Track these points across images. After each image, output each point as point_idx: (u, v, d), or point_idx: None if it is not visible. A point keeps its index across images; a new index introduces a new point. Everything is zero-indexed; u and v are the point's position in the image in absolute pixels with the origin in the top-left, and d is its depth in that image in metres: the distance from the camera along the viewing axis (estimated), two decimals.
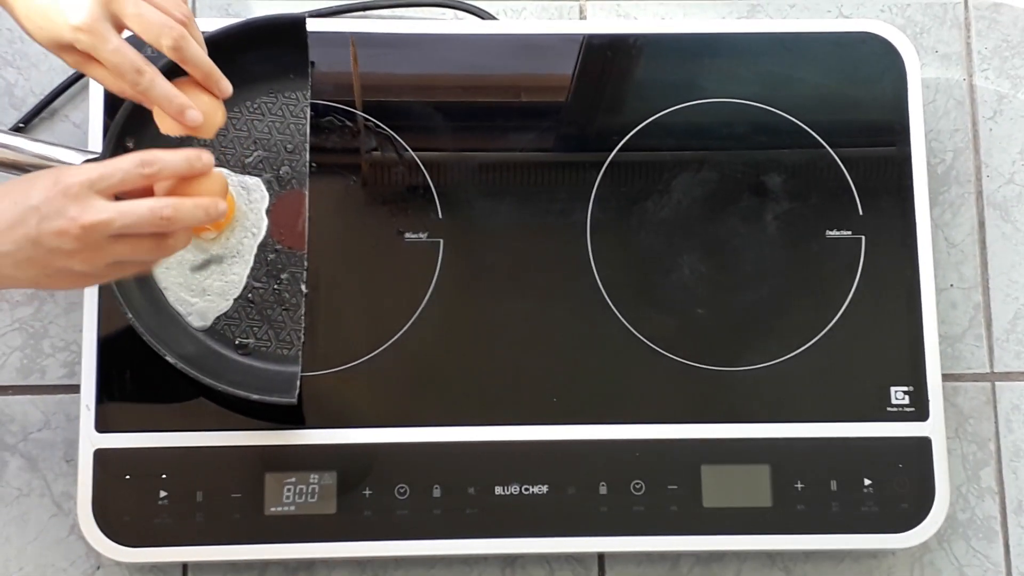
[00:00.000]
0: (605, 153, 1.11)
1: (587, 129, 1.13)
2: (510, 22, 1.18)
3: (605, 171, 1.10)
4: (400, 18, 1.16)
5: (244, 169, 1.08)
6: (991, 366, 1.14)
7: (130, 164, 0.84)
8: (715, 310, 1.08)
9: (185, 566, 1.07)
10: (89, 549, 1.04)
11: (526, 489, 1.04)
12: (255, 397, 1.01)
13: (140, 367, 1.04)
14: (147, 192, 0.86)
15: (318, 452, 1.04)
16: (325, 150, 1.09)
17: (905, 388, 1.06)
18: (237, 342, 1.05)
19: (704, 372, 1.06)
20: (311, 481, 1.03)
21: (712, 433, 1.05)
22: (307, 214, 1.07)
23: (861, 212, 1.10)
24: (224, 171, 1.07)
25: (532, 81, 1.13)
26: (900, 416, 1.06)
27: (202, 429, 1.03)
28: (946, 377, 1.11)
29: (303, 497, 1.03)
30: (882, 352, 1.07)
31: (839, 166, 1.11)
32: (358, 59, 1.11)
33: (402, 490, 1.03)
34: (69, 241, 0.82)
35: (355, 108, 1.10)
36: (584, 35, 1.14)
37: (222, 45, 1.05)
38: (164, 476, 1.03)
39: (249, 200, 1.07)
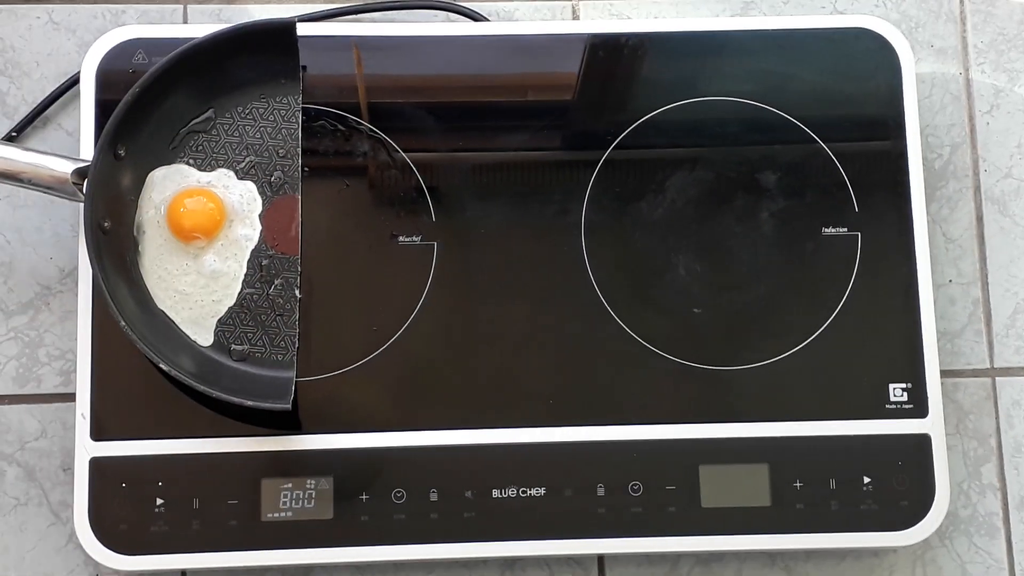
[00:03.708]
0: (599, 152, 1.10)
1: (580, 129, 1.12)
2: (502, 24, 1.17)
3: (599, 171, 1.10)
4: (390, 21, 1.16)
5: (236, 175, 1.08)
6: (991, 361, 1.13)
7: None
8: (711, 309, 1.07)
9: (183, 573, 1.06)
10: (87, 558, 1.03)
11: (523, 492, 1.03)
12: (249, 403, 1.00)
13: (135, 375, 1.03)
14: None
15: (314, 457, 1.03)
16: (317, 154, 1.09)
17: (903, 385, 1.06)
18: (231, 348, 1.05)
19: (701, 372, 1.06)
20: (308, 487, 1.03)
21: (710, 433, 1.05)
22: (300, 219, 1.07)
23: (857, 209, 1.09)
24: (221, 171, 1.07)
25: (524, 82, 1.13)
26: (899, 413, 1.05)
27: (197, 436, 1.03)
28: (946, 373, 1.11)
29: (300, 503, 1.03)
30: (880, 349, 1.07)
31: (835, 163, 1.10)
32: (347, 62, 1.11)
33: (399, 494, 1.03)
34: None
35: (348, 112, 1.10)
36: (576, 35, 1.14)
37: (213, 51, 1.06)
38: (160, 484, 1.02)
39: (242, 206, 1.07)
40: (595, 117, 1.12)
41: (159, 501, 1.02)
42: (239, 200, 1.07)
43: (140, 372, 1.03)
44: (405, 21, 1.16)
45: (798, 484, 1.04)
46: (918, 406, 1.05)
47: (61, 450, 1.08)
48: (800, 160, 1.11)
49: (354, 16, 1.16)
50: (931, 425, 1.05)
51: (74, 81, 1.13)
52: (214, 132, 1.08)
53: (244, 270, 1.06)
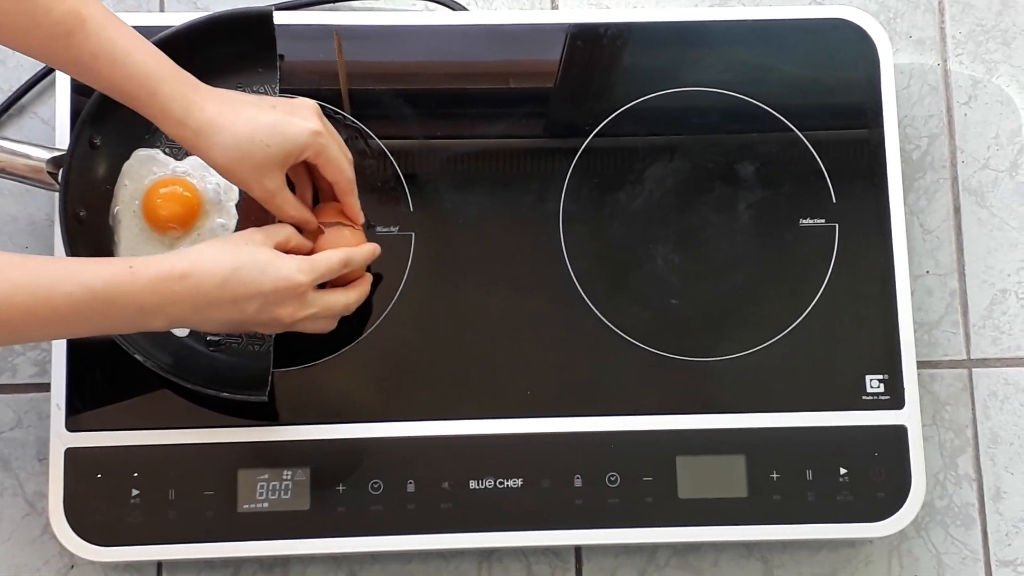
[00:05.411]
0: (578, 142, 1.10)
1: (559, 119, 1.12)
2: (482, 13, 1.17)
3: (577, 161, 1.10)
4: (368, 10, 1.16)
5: None
6: (968, 353, 1.14)
7: (338, 264, 0.97)
8: (689, 300, 1.08)
9: (160, 564, 1.06)
10: (62, 549, 1.03)
11: (500, 483, 1.03)
12: (226, 395, 1.00)
13: (110, 365, 1.03)
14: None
15: (291, 448, 1.03)
16: None
17: (880, 376, 1.06)
18: (208, 339, 1.05)
19: (678, 363, 1.06)
20: (284, 477, 1.02)
21: (687, 424, 1.05)
22: None
23: (835, 200, 1.09)
24: (198, 160, 1.06)
25: (503, 71, 1.13)
26: (875, 404, 1.06)
27: (173, 427, 1.03)
28: (923, 364, 1.11)
29: (276, 494, 1.02)
30: (857, 340, 1.07)
31: (812, 154, 1.10)
32: (325, 50, 1.10)
33: (376, 485, 1.03)
34: (276, 328, 0.97)
35: (325, 100, 1.08)
36: (556, 24, 1.13)
37: (189, 39, 1.05)
38: (136, 474, 1.02)
39: (219, 195, 1.06)
40: (574, 107, 1.12)
41: (135, 492, 1.02)
42: (215, 190, 1.06)
43: (116, 362, 1.02)
44: (383, 10, 1.16)
45: (775, 475, 1.04)
46: (894, 397, 1.06)
47: (36, 440, 1.08)
48: (778, 151, 1.11)
49: (332, 5, 1.15)
50: (907, 416, 1.05)
51: (50, 69, 1.12)
52: None
53: None
